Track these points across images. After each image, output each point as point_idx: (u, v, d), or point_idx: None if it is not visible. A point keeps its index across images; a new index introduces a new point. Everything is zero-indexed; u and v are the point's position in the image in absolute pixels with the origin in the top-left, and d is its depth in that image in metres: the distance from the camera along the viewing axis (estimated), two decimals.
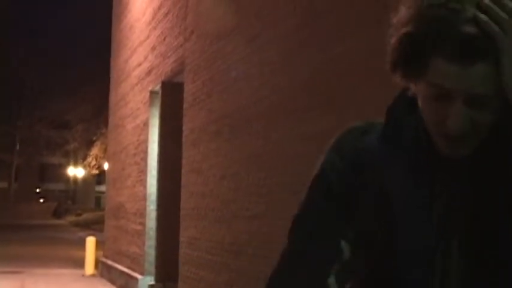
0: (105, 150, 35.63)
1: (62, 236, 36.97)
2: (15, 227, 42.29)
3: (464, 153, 1.40)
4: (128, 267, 14.83)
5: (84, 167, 55.70)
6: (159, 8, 13.43)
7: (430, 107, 1.38)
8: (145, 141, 14.01)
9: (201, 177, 10.29)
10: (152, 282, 12.83)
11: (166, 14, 12.83)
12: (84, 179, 68.11)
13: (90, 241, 18.20)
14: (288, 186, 7.19)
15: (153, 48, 13.75)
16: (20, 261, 20.64)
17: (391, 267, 1.44)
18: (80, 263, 19.19)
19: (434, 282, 1.42)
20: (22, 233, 36.99)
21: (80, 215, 54.68)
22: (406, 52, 1.36)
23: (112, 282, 16.15)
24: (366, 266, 1.48)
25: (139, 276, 13.54)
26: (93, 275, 17.86)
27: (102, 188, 49.99)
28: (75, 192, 76.07)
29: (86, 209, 59.76)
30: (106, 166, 24.41)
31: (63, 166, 71.20)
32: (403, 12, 1.37)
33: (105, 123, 23.60)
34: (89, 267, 18.12)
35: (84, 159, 53.17)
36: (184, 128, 11.29)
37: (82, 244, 19.65)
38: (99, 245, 18.50)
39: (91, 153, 48.93)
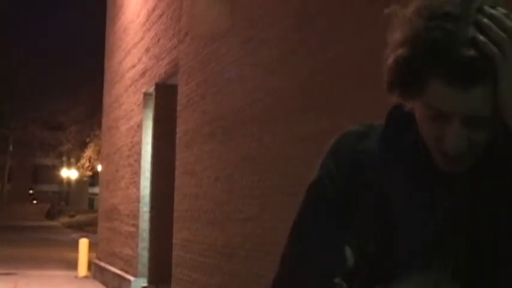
0: (98, 152, 35.58)
1: (55, 237, 36.88)
2: (8, 229, 42.15)
3: (461, 171, 1.40)
4: (121, 269, 14.81)
5: (78, 168, 55.63)
6: (153, 9, 13.42)
7: (427, 126, 1.38)
8: (138, 143, 14.00)
9: (195, 179, 10.28)
10: (145, 284, 12.81)
11: (161, 16, 12.82)
12: (78, 181, 67.94)
13: (83, 243, 18.17)
14: (282, 188, 7.19)
15: (147, 50, 13.74)
16: (13, 262, 20.57)
17: (391, 267, 1.43)
18: (72, 265, 19.15)
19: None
20: (15, 235, 36.88)
21: (73, 216, 54.55)
22: (402, 74, 1.34)
23: (105, 284, 16.12)
24: (366, 266, 1.47)
25: (132, 278, 13.52)
26: (86, 277, 17.83)
27: (96, 189, 49.88)
28: (69, 194, 75.93)
29: (79, 210, 59.66)
30: (99, 168, 24.38)
31: (57, 167, 70.99)
32: (398, 33, 1.35)
33: (99, 124, 23.58)
34: (82, 269, 18.09)
35: (78, 160, 53.13)
36: (178, 129, 11.28)
37: (75, 246, 19.62)
38: (92, 246, 18.48)
39: (84, 155, 48.87)
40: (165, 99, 12.66)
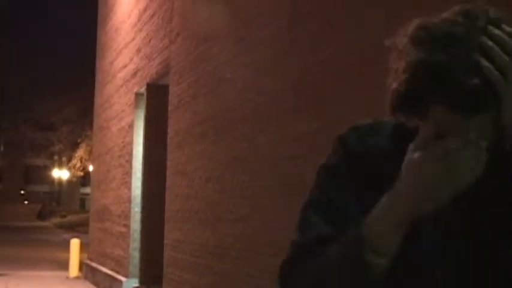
0: (90, 152, 35.53)
1: (47, 238, 36.83)
2: None
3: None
4: (112, 270, 14.79)
5: (69, 168, 55.43)
6: (145, 10, 13.41)
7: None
8: (130, 143, 13.99)
9: (186, 180, 10.28)
10: (136, 285, 12.80)
11: (152, 16, 12.81)
12: (69, 181, 67.72)
13: (75, 243, 18.14)
14: (273, 188, 7.19)
15: (139, 50, 13.73)
16: (4, 263, 20.51)
17: (394, 271, 1.42)
18: (64, 265, 19.12)
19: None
20: (6, 235, 36.76)
21: (64, 217, 54.44)
22: (405, 99, 1.32)
23: (96, 284, 16.10)
24: None
25: (123, 279, 13.51)
26: (77, 277, 17.80)
27: (87, 190, 49.68)
28: (60, 194, 75.72)
29: (70, 211, 59.50)
30: (91, 168, 24.35)
31: (48, 168, 70.80)
32: (401, 61, 1.33)
33: (90, 125, 23.58)
34: (73, 270, 18.06)
35: (69, 161, 52.92)
36: (169, 130, 11.28)
37: (66, 246, 19.58)
38: (83, 247, 18.45)
39: (76, 155, 48.69)
40: (156, 100, 12.66)
